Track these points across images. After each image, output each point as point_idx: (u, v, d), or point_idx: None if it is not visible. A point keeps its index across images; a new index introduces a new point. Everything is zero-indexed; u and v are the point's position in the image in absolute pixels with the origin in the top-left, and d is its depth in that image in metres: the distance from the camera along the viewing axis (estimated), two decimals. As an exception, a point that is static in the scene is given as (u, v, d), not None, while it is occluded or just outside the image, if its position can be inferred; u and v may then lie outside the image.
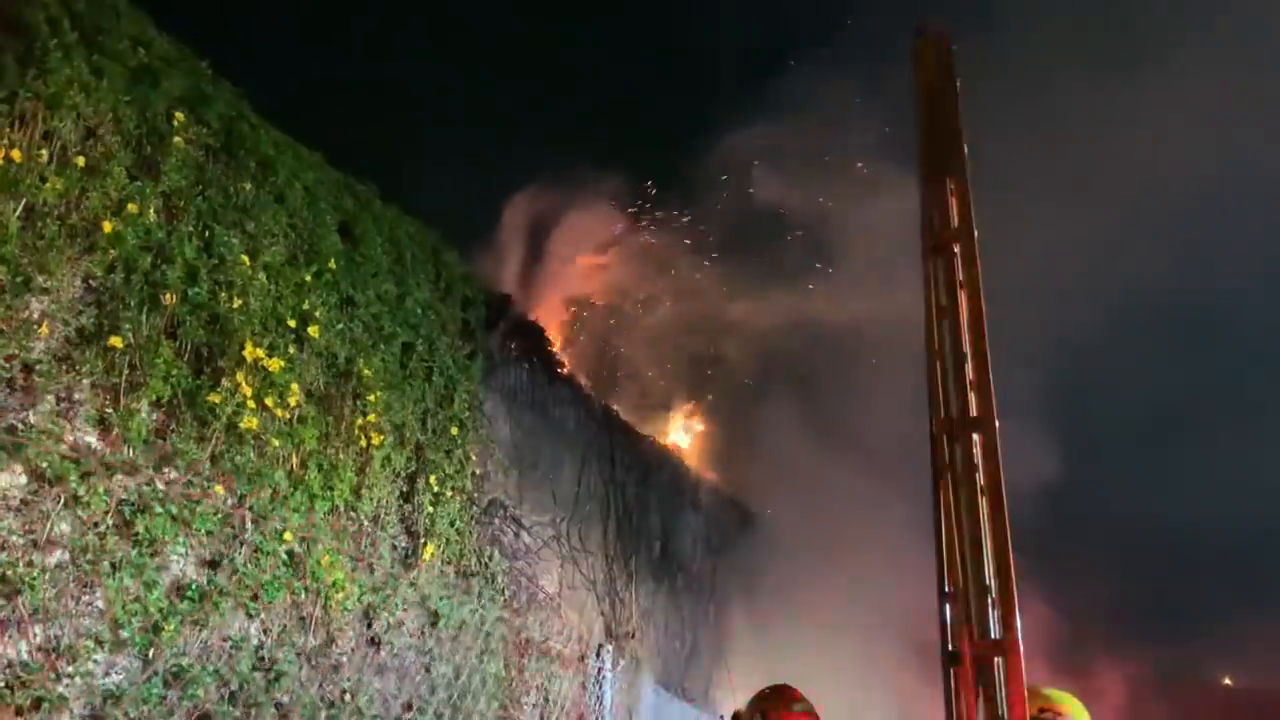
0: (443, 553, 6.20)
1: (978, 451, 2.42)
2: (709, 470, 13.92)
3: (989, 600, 2.34)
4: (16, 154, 3.81)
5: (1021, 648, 2.27)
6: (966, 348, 2.47)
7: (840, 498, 12.23)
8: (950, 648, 2.45)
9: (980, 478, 2.42)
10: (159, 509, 4.26)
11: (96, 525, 3.99)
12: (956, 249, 2.57)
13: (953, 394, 2.49)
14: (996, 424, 2.42)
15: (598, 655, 3.52)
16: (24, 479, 3.76)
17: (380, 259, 5.76)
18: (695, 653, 11.26)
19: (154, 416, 4.37)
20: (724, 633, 12.25)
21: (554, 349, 9.09)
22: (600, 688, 3.53)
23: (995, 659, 2.28)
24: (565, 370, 9.38)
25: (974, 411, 2.44)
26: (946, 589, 2.48)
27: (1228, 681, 21.27)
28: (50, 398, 3.93)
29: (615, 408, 10.87)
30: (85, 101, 4.16)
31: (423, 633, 6.02)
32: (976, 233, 2.56)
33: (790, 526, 12.82)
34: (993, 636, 2.32)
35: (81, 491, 3.90)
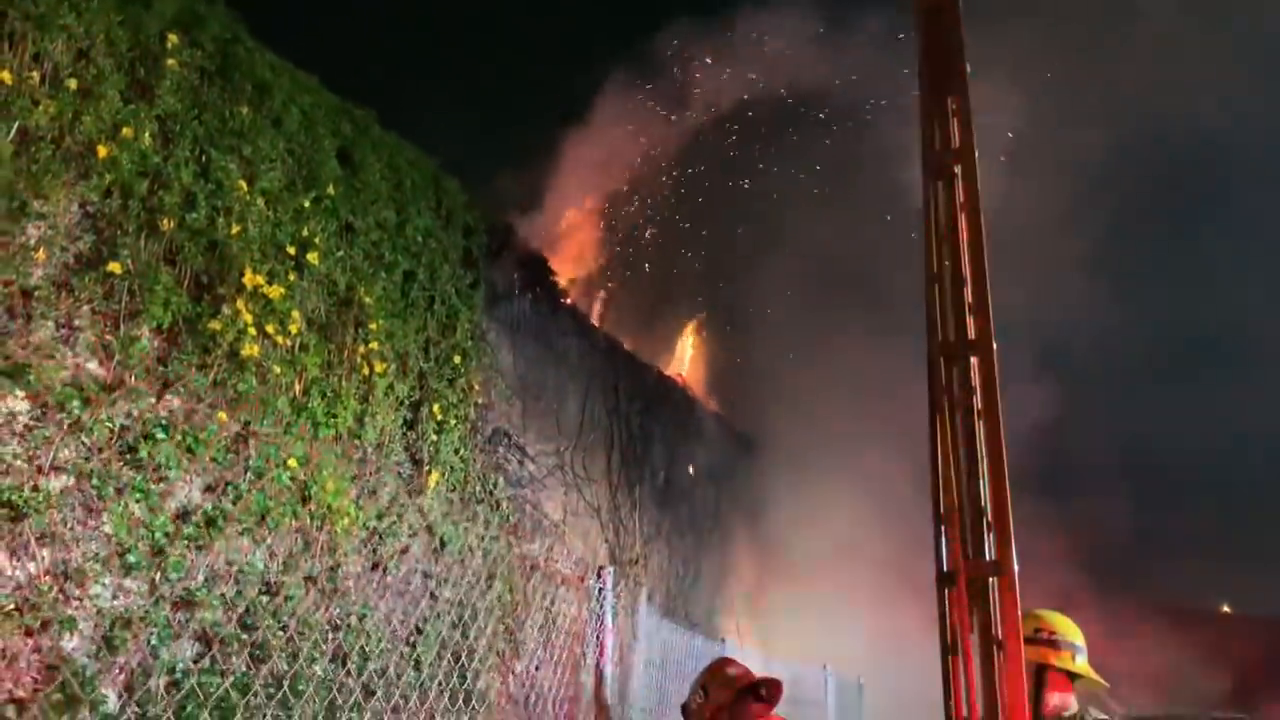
0: (447, 480, 6.25)
1: (975, 375, 2.41)
2: (712, 400, 13.98)
3: (984, 522, 2.35)
4: (7, 75, 3.75)
5: (1016, 569, 2.29)
6: (966, 271, 2.45)
7: (841, 427, 12.27)
8: (945, 569, 2.47)
9: (977, 401, 2.41)
10: (162, 435, 4.28)
11: (100, 451, 4.02)
12: (957, 170, 2.54)
13: (951, 318, 2.48)
14: (994, 347, 2.41)
15: (598, 576, 3.56)
16: (26, 404, 3.77)
17: (379, 185, 5.71)
18: (698, 579, 11.42)
19: (155, 343, 4.37)
20: (726, 560, 12.41)
21: (557, 279, 9.06)
22: (601, 607, 3.58)
23: (989, 579, 2.30)
24: (569, 300, 9.37)
25: (972, 335, 2.43)
26: (942, 512, 2.49)
27: (1226, 609, 21.56)
28: (50, 323, 3.93)
29: (619, 338, 10.88)
30: (76, 22, 4.09)
31: (428, 558, 6.10)
32: (977, 154, 2.52)
33: (792, 455, 12.89)
34: (987, 558, 2.34)
35: (84, 417, 3.92)
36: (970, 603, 2.33)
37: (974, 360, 2.42)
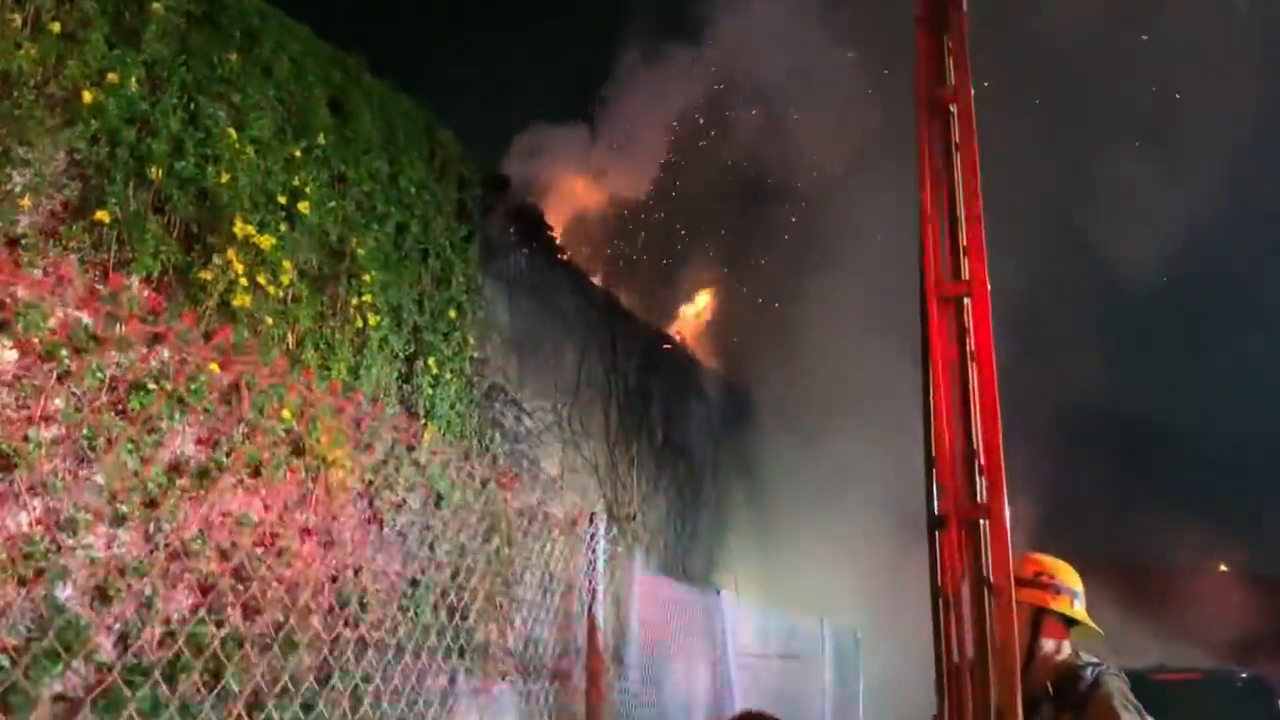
0: (443, 434, 6.24)
1: (969, 318, 2.38)
2: (712, 358, 13.96)
3: (976, 466, 2.33)
4: (-12, 18, 3.69)
5: (1007, 512, 2.27)
6: (960, 211, 2.41)
7: (837, 377, 12.25)
8: (936, 512, 2.45)
9: (970, 343, 2.38)
10: (154, 386, 4.26)
11: (91, 401, 4.00)
12: (953, 109, 2.48)
13: (945, 259, 2.44)
14: (989, 289, 2.37)
15: (590, 523, 3.56)
16: (15, 354, 3.74)
17: (371, 135, 5.64)
18: (695, 534, 11.46)
19: (145, 293, 4.34)
20: (724, 515, 12.45)
21: (554, 233, 9.01)
22: (593, 554, 3.58)
23: (981, 522, 2.29)
24: (565, 256, 9.31)
25: (966, 276, 2.39)
26: (933, 455, 2.48)
27: (1223, 568, 21.70)
28: (38, 272, 3.89)
29: (617, 293, 10.84)
30: (58, -36, 4.01)
31: (425, 511, 6.10)
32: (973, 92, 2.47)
33: (791, 411, 12.89)
34: (979, 502, 2.32)
35: (74, 367, 3.90)
36: (961, 546, 2.32)
37: (968, 302, 2.39)
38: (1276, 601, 17.94)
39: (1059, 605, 3.34)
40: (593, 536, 3.55)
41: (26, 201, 3.79)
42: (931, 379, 2.46)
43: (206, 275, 4.44)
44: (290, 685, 4.25)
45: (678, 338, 13.17)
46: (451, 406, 6.29)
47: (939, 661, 2.46)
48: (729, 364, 14.27)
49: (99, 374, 4.01)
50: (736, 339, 15.09)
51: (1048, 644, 3.33)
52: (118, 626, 4.07)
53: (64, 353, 3.85)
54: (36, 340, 3.78)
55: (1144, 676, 9.04)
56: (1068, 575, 3.43)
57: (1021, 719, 2.21)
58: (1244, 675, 9.18)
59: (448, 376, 6.21)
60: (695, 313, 16.10)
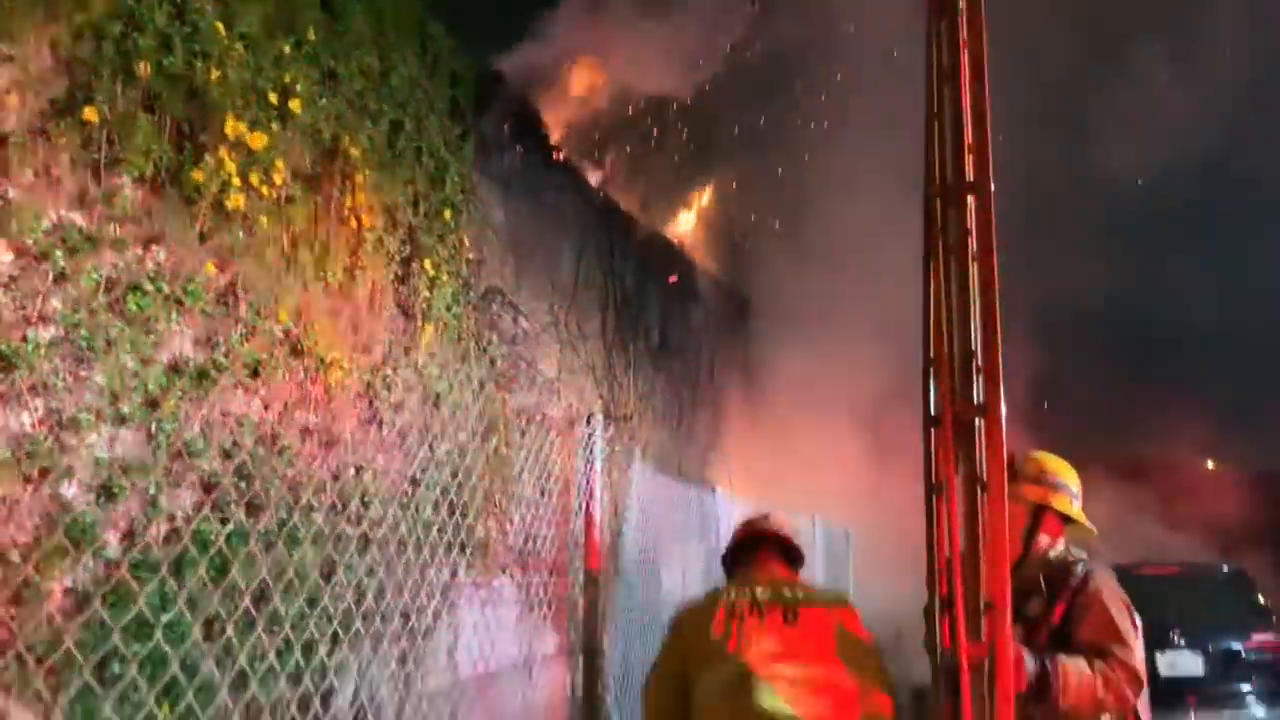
0: (440, 336, 6.25)
1: (972, 218, 2.37)
2: (710, 261, 13.90)
3: (974, 366, 2.35)
4: (-38, -95, 3.56)
5: (1003, 411, 2.30)
6: (966, 110, 2.38)
7: (836, 280, 12.23)
8: (932, 411, 2.48)
9: (973, 243, 2.38)
10: (150, 287, 4.25)
11: (88, 303, 3.99)
12: (961, 4, 2.43)
13: (949, 158, 2.42)
14: (993, 188, 2.36)
15: (588, 423, 3.60)
16: (10, 255, 3.72)
17: (361, 29, 5.51)
18: (691, 436, 11.59)
19: (137, 194, 4.29)
20: (720, 415, 12.57)
21: (550, 132, 8.87)
22: (591, 454, 3.63)
23: (976, 421, 2.31)
24: (562, 155, 9.19)
25: (970, 176, 2.37)
26: (931, 355, 2.49)
27: (1210, 465, 22.03)
28: (29, 171, 3.84)
29: (616, 194, 10.74)
30: None
31: (424, 413, 6.15)
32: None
33: (787, 313, 12.91)
34: (976, 401, 2.34)
35: (69, 268, 3.88)
36: (956, 445, 2.35)
37: (971, 201, 2.37)
38: (1265, 496, 18.28)
39: (1059, 503, 3.41)
40: (590, 437, 3.60)
41: (13, 99, 3.72)
42: (932, 278, 2.47)
43: (199, 175, 4.39)
44: (295, 580, 4.34)
45: (676, 240, 13.09)
46: (448, 308, 6.29)
47: (931, 556, 2.52)
48: (728, 266, 14.20)
49: (95, 275, 3.99)
50: (736, 241, 14.97)
51: (1044, 539, 3.41)
52: (124, 524, 4.14)
53: (59, 254, 3.83)
54: (31, 241, 3.75)
55: (1128, 571, 9.29)
56: (1069, 475, 3.51)
57: (1011, 610, 2.28)
58: (1226, 569, 9.41)
59: (444, 278, 6.19)
60: (695, 214, 15.93)
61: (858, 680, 3.04)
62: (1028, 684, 2.85)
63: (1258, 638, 8.26)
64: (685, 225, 14.90)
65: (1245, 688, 8.12)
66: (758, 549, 3.58)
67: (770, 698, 2.96)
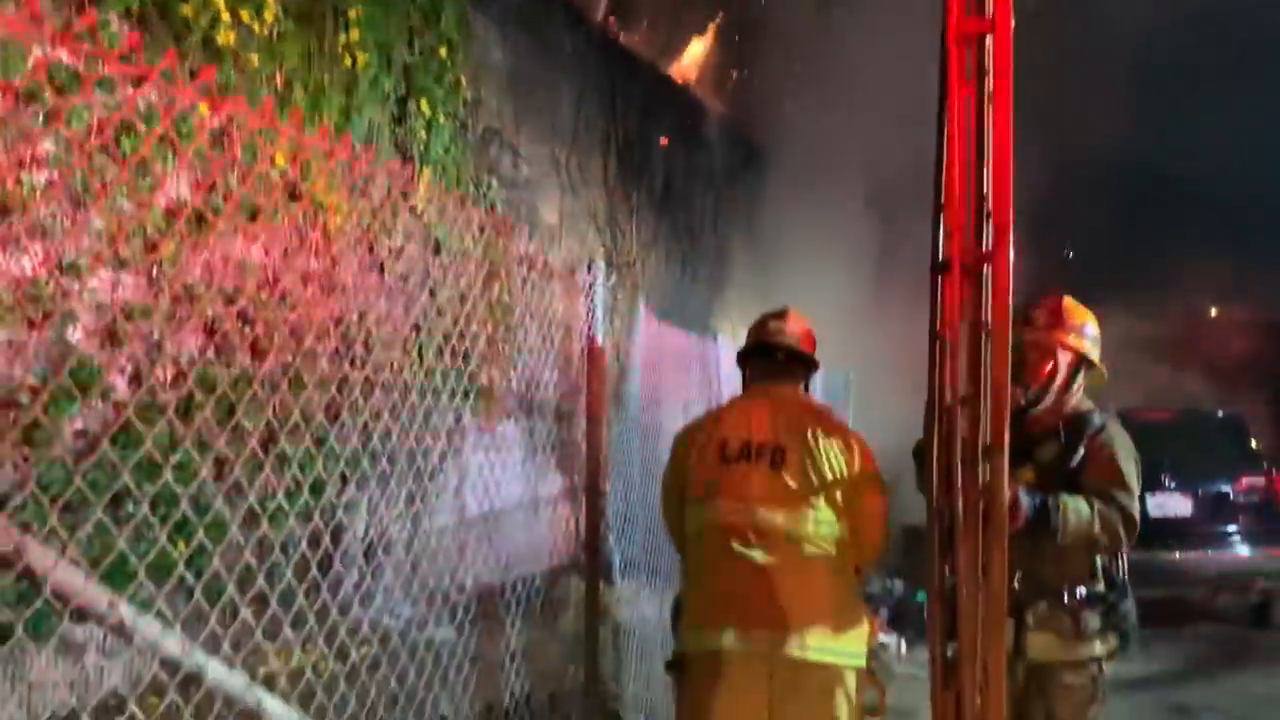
0: (439, 179, 6.16)
1: (989, 57, 2.28)
2: (716, 102, 13.54)
3: (984, 212, 2.31)
4: None
5: (1011, 258, 2.27)
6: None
7: (846, 123, 11.92)
8: (940, 257, 2.46)
9: (989, 85, 2.30)
10: (144, 128, 4.16)
11: (81, 144, 3.91)
12: None
13: (969, -4, 2.31)
14: (1012, 27, 2.26)
15: (589, 271, 3.57)
16: (-3, 92, 3.63)
17: None
18: (694, 284, 11.56)
19: (124, 30, 4.14)
20: (724, 263, 12.50)
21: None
22: (592, 301, 3.62)
23: (984, 267, 2.29)
24: (561, -10, 8.84)
25: (989, 13, 2.27)
26: (942, 200, 2.45)
27: (1214, 312, 22.08)
28: (10, 5, 3.69)
29: (617, 33, 10.38)
30: None
31: (424, 258, 6.11)
32: None
33: (796, 160, 12.65)
34: (984, 247, 2.31)
35: (59, 109, 3.79)
36: (963, 290, 2.33)
37: (990, 42, 2.28)
38: (1267, 344, 18.40)
39: (1095, 355, 3.42)
40: (591, 284, 3.58)
41: (-14, -75, 3.55)
42: (946, 121, 2.40)
43: (187, 10, 4.23)
44: (301, 422, 4.40)
45: (683, 81, 12.72)
46: (446, 151, 6.16)
47: (931, 400, 2.54)
48: (736, 110, 13.83)
49: (85, 115, 3.89)
50: (744, 84, 14.53)
51: (1072, 387, 3.42)
52: (130, 367, 4.18)
53: (46, 94, 3.73)
54: (17, 81, 3.65)
55: (1124, 416, 9.42)
56: (1095, 324, 3.48)
57: (1024, 453, 2.32)
58: (1220, 414, 9.55)
59: (441, 119, 6.05)
60: (702, 54, 15.40)
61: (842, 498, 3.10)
62: (1026, 520, 2.92)
63: (1246, 480, 8.46)
64: (692, 66, 14.43)
65: (1231, 528, 8.38)
66: (767, 364, 3.50)
67: (742, 548, 3.04)
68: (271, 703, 1.95)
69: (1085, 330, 3.41)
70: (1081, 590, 3.16)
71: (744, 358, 3.63)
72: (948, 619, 2.54)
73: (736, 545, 3.04)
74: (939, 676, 2.59)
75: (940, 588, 2.58)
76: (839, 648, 2.96)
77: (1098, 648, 3.19)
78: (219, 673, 1.75)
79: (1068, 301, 3.46)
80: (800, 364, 3.54)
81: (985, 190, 2.27)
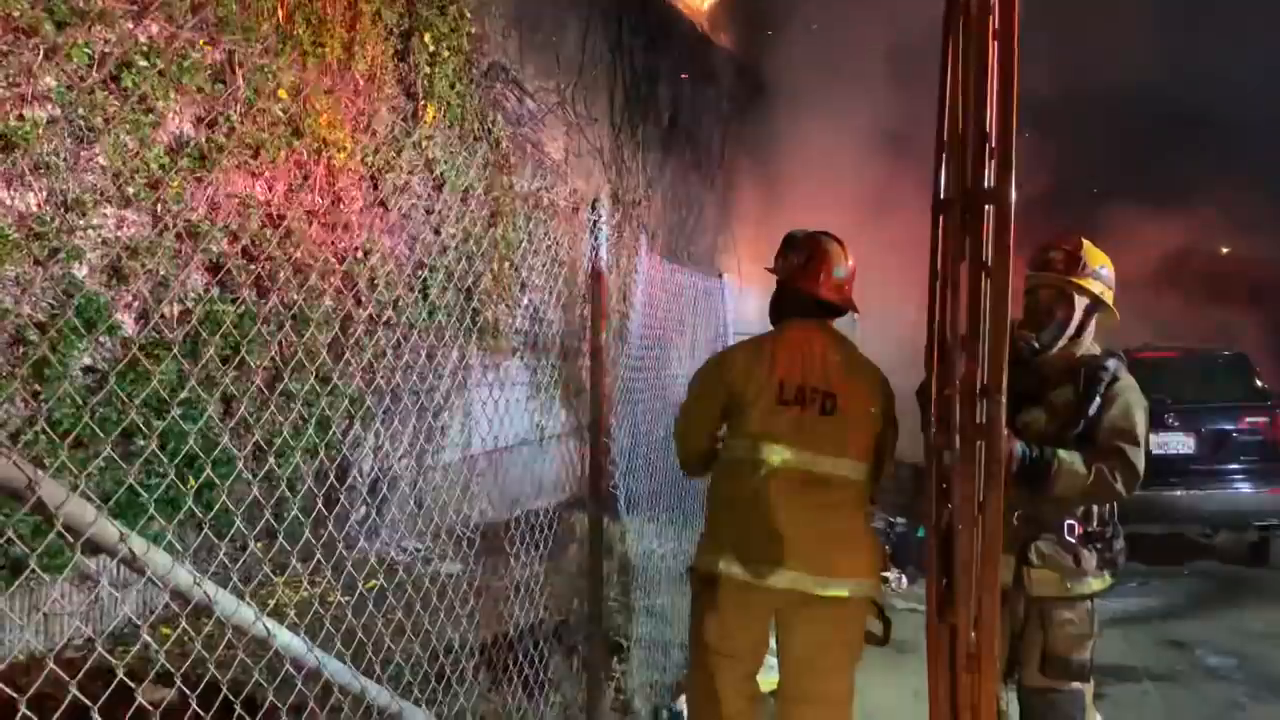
0: (444, 115, 6.11)
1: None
2: (722, 35, 13.32)
3: (987, 149, 2.29)
4: None
5: (1013, 198, 2.26)
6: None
7: (855, 57, 11.74)
8: (941, 195, 2.45)
9: (994, 21, 2.27)
10: (144, 63, 4.13)
11: (83, 80, 3.89)
12: None
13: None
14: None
15: (593, 209, 3.56)
16: (-5, 28, 3.61)
17: None
18: (700, 220, 11.50)
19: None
20: (729, 201, 12.43)
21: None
22: (596, 239, 3.62)
23: (986, 207, 2.28)
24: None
25: (995, -54, 2.24)
26: (944, 138, 2.43)
27: (1225, 250, 21.92)
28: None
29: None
30: None
31: (429, 195, 6.10)
32: None
33: (802, 95, 12.48)
34: (986, 186, 2.30)
35: (60, 42, 3.76)
36: (965, 229, 2.33)
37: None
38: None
39: (1109, 298, 3.39)
40: (595, 222, 3.58)
41: None
42: (949, 57, 2.37)
43: (186, -58, 4.17)
44: (305, 360, 4.43)
45: (688, 12, 12.51)
46: (451, 86, 6.11)
47: (930, 340, 2.55)
48: (744, 44, 13.61)
49: (87, 50, 3.87)
50: (754, 17, 14.25)
51: (1088, 330, 3.40)
52: (136, 304, 4.20)
53: (47, 27, 3.70)
54: (16, 13, 3.62)
55: (1130, 354, 9.38)
56: (1110, 266, 3.45)
57: (1005, 394, 2.33)
58: (1226, 353, 9.52)
59: (445, 54, 5.99)
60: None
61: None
62: (1019, 470, 2.95)
63: (1249, 419, 8.46)
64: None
65: (1233, 466, 8.40)
66: (802, 305, 3.42)
67: (790, 489, 3.14)
68: (281, 632, 2.00)
69: (1101, 273, 3.38)
70: (1082, 528, 3.20)
71: (796, 298, 3.49)
72: (945, 556, 2.58)
73: (785, 486, 3.14)
74: (935, 611, 2.64)
75: (939, 525, 2.62)
76: (860, 581, 3.08)
77: (1094, 584, 3.24)
78: (228, 603, 1.79)
79: (1085, 244, 3.42)
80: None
81: (988, 127, 2.25)
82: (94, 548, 1.52)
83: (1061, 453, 3.06)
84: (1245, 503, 8.34)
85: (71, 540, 1.48)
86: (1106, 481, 3.05)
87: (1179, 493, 8.25)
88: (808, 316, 3.37)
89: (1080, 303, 3.36)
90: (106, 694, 1.60)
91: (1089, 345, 3.40)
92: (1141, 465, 3.09)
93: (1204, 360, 9.52)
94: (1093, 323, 3.42)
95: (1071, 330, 3.36)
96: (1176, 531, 8.78)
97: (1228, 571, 8.67)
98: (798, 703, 3.14)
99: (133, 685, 1.66)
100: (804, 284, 3.38)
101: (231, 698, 1.97)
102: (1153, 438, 8.31)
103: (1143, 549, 8.51)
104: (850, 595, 3.07)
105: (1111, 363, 3.29)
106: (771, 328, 3.49)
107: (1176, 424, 8.48)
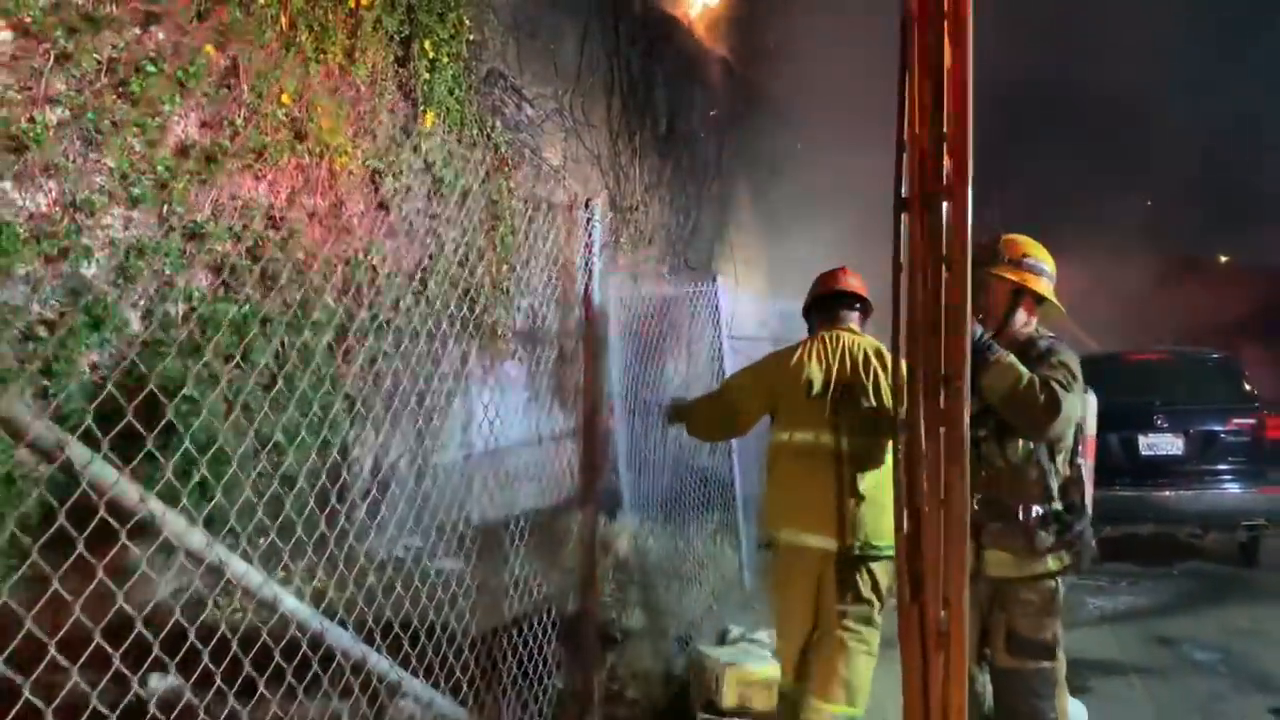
0: (443, 121, 6.25)
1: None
2: (719, 44, 13.46)
3: (944, 149, 2.41)
4: None
5: (969, 194, 2.38)
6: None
7: (848, 66, 11.87)
8: (902, 194, 2.57)
9: (948, 25, 2.39)
10: (152, 68, 4.27)
11: (91, 84, 4.03)
12: None
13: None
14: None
15: (586, 207, 3.70)
16: (9, 34, 3.75)
17: None
18: (698, 226, 11.62)
19: (132, -29, 4.23)
20: (726, 207, 12.54)
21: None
22: (590, 237, 3.76)
23: (943, 203, 2.40)
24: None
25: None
26: (904, 139, 2.56)
27: (1223, 259, 22.03)
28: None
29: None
30: None
31: (429, 199, 6.23)
32: None
33: (796, 102, 12.61)
34: (943, 183, 2.42)
35: (70, 48, 3.90)
36: (922, 225, 2.45)
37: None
38: (1264, 290, 18.39)
39: (1037, 285, 3.59)
40: (589, 220, 3.72)
41: None
42: (907, 61, 2.50)
43: (193, -49, 4.31)
44: (310, 358, 4.56)
45: (686, 21, 12.65)
46: (450, 92, 6.25)
47: (895, 330, 2.67)
48: (737, 52, 13.74)
49: (96, 55, 4.01)
50: (750, 28, 14.39)
51: (1020, 318, 3.63)
52: (143, 303, 4.33)
53: (58, 33, 3.85)
54: (29, 19, 3.76)
55: (1119, 357, 9.55)
56: (1046, 258, 3.68)
57: (969, 378, 2.45)
58: (1214, 356, 9.64)
59: (444, 60, 6.13)
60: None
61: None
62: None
63: (1236, 420, 8.58)
64: (696, 6, 14.30)
65: (1221, 467, 8.52)
66: (840, 309, 4.25)
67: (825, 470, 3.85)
68: (287, 598, 2.13)
69: (1038, 268, 3.61)
70: (1037, 510, 3.35)
71: (820, 303, 4.31)
72: (914, 538, 2.70)
73: (820, 467, 3.83)
74: (907, 591, 2.76)
75: (911, 507, 2.75)
76: (887, 543, 3.61)
77: (1051, 564, 3.38)
78: (238, 566, 1.93)
79: (1022, 240, 3.64)
80: (862, 308, 4.32)
81: (944, 128, 2.38)
82: (115, 510, 1.66)
83: (1008, 354, 3.29)
84: (1234, 503, 8.46)
85: (95, 497, 1.61)
86: (1033, 394, 3.23)
87: (1168, 493, 8.37)
88: (834, 324, 4.17)
89: (1022, 296, 3.59)
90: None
91: (1030, 332, 3.62)
92: (1066, 408, 3.24)
93: (1192, 363, 9.64)
94: (1035, 316, 3.65)
95: (1014, 320, 3.59)
96: (1166, 532, 8.89)
97: (1216, 571, 8.78)
98: (832, 631, 3.79)
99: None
100: (829, 283, 4.26)
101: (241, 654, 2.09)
102: (1142, 439, 8.51)
103: (1133, 549, 8.64)
104: (884, 555, 3.73)
105: (1045, 341, 3.53)
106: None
107: (1165, 425, 8.61)
